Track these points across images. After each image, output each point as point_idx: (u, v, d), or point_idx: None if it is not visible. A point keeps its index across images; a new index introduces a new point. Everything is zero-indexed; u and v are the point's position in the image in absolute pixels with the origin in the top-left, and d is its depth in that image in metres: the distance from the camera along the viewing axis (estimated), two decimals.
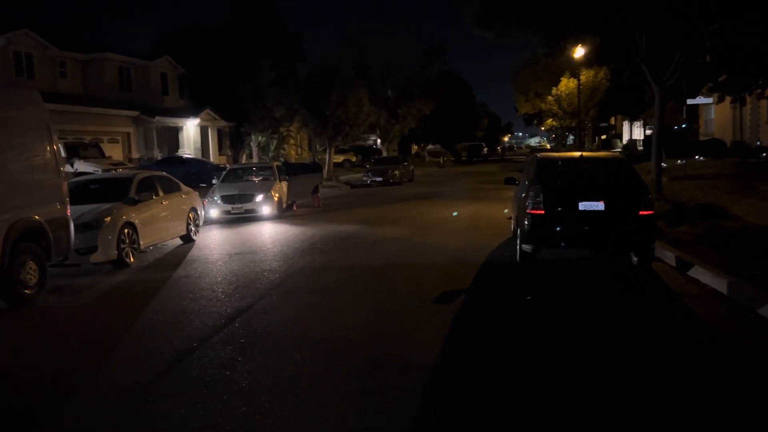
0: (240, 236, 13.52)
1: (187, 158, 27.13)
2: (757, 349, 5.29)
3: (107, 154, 24.92)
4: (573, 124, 39.44)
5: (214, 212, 16.22)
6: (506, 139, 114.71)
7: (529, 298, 7.17)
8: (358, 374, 4.89)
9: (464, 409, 4.19)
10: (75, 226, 8.98)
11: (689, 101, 30.58)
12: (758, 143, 27.39)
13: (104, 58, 29.86)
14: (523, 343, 5.59)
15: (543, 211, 8.28)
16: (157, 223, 11.24)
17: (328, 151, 36.53)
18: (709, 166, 22.21)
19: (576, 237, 8.34)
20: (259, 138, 32.66)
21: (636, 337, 5.71)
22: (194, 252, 11.39)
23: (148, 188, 11.24)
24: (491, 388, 4.53)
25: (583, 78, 34.23)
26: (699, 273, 7.65)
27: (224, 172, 18.97)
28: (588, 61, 27.67)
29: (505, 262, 9.32)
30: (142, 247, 10.68)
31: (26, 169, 8.14)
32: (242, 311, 6.88)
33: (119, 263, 9.93)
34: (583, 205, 8.19)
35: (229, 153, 34.69)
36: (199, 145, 32.61)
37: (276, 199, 16.76)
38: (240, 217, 16.40)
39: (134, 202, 10.61)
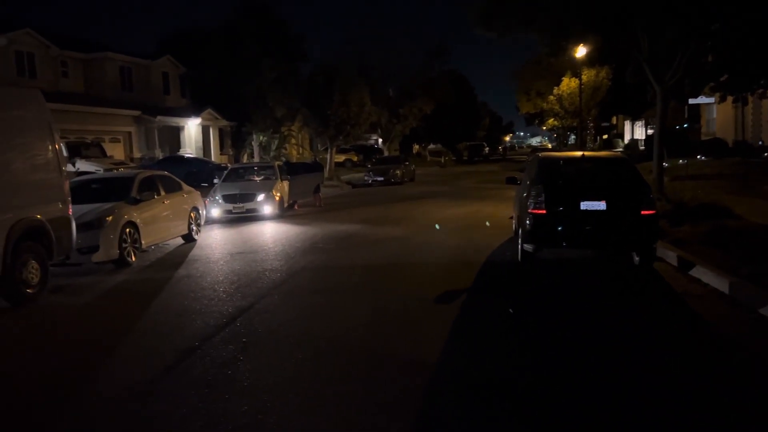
0: (241, 235, 13.52)
1: (189, 158, 27.14)
2: (758, 348, 5.28)
3: (109, 153, 24.93)
4: (574, 124, 39.37)
5: (215, 212, 16.23)
6: (508, 138, 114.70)
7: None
8: (359, 373, 4.89)
9: (465, 409, 4.19)
10: (77, 225, 8.99)
11: (691, 101, 30.53)
12: (760, 143, 27.36)
13: (106, 57, 29.89)
14: (524, 343, 5.59)
15: (544, 211, 8.27)
16: (158, 223, 11.25)
17: (329, 150, 36.53)
18: (710, 165, 22.18)
19: (577, 237, 8.33)
20: (261, 137, 32.68)
21: (637, 336, 5.71)
22: (196, 251, 11.40)
23: (150, 188, 11.25)
24: (492, 388, 4.53)
25: (584, 77, 34.19)
26: (701, 273, 7.65)
27: (226, 172, 18.99)
28: (590, 61, 27.61)
29: (506, 261, 9.32)
30: (143, 246, 10.69)
31: (28, 169, 8.15)
32: (244, 310, 6.89)
33: (121, 262, 9.94)
34: (584, 205, 8.18)
35: (231, 152, 34.71)
36: (200, 144, 32.64)
37: (277, 198, 16.76)
38: (241, 216, 16.41)
39: (136, 202, 10.62)
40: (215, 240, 12.97)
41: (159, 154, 29.04)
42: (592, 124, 43.77)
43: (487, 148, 68.31)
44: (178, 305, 7.30)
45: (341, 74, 33.11)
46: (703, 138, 32.68)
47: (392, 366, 5.02)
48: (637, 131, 47.64)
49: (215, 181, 19.87)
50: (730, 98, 17.40)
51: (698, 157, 26.02)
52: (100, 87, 29.43)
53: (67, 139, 20.74)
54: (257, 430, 3.99)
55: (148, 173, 12.09)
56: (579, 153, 10.20)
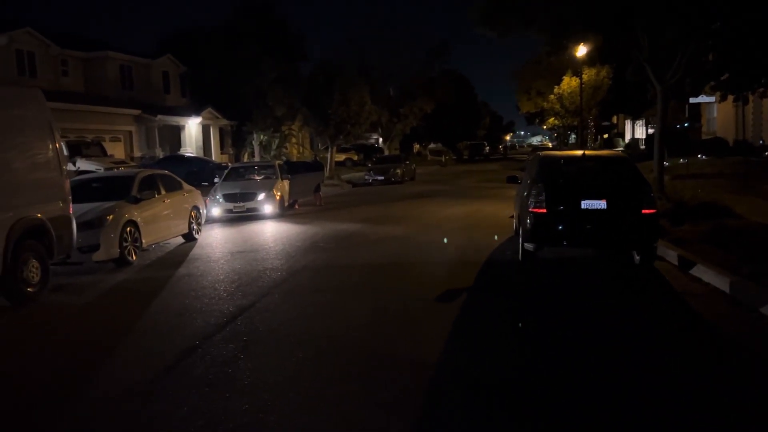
0: (242, 235, 13.53)
1: (189, 157, 27.13)
2: (759, 348, 5.28)
3: (109, 152, 24.91)
4: (575, 123, 39.36)
5: (216, 211, 16.24)
6: (508, 137, 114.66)
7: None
8: (359, 373, 4.89)
9: (465, 408, 4.19)
10: (77, 224, 9.00)
11: (692, 100, 30.55)
12: (761, 142, 27.36)
13: (106, 56, 29.88)
14: (525, 342, 5.59)
15: (545, 210, 8.27)
16: (159, 222, 11.25)
17: (329, 149, 36.53)
18: (711, 164, 22.17)
19: (578, 235, 8.33)
20: (261, 137, 32.67)
21: (638, 335, 5.71)
22: (196, 250, 11.40)
23: (150, 187, 11.25)
24: (492, 387, 4.53)
25: (585, 77, 34.17)
26: (701, 272, 7.65)
27: (226, 171, 18.99)
28: (590, 60, 27.61)
29: (507, 260, 9.32)
30: (144, 245, 10.69)
31: (29, 168, 8.16)
32: (244, 309, 6.89)
33: (121, 261, 9.94)
34: (585, 204, 8.18)
35: (231, 152, 34.70)
36: (200, 143, 32.63)
37: (278, 197, 16.77)
38: (242, 215, 16.41)
39: (136, 201, 10.62)
40: (216, 239, 12.98)
41: (159, 153, 29.04)
42: (592, 124, 43.72)
43: (487, 148, 68.30)
44: (179, 304, 7.31)
45: (341, 73, 33.11)
46: (704, 137, 32.68)
47: (393, 365, 5.02)
48: (637, 130, 47.60)
49: (216, 180, 19.82)
50: (730, 97, 17.37)
51: (699, 156, 26.03)
52: (101, 86, 29.41)
53: (67, 138, 20.72)
54: (258, 429, 3.99)
55: (148, 172, 12.10)
56: (580, 152, 10.20)
